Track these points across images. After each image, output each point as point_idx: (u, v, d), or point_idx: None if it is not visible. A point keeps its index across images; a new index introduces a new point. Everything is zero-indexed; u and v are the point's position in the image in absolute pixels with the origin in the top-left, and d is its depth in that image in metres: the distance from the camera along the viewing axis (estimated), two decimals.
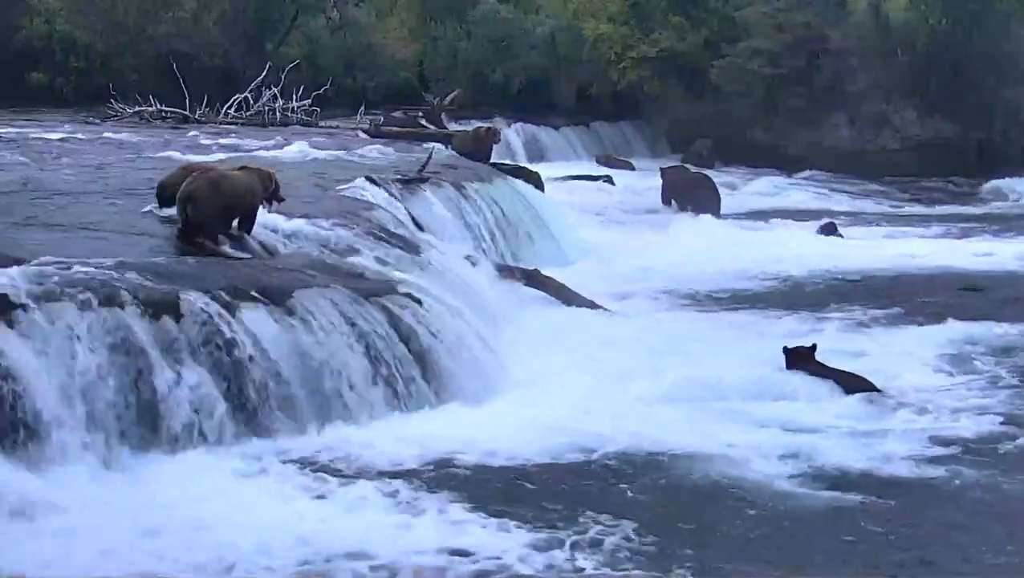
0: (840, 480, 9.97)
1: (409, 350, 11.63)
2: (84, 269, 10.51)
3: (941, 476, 10.15)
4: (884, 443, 10.95)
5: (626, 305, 17.04)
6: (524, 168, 25.29)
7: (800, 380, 12.50)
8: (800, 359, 12.75)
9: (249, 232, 13.02)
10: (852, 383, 12.44)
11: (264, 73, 32.90)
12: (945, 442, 11.00)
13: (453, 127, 31.70)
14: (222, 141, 25.72)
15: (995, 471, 10.29)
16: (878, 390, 12.39)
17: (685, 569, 8.21)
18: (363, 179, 18.15)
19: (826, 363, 12.73)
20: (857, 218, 27.33)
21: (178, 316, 10.27)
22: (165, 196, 13.52)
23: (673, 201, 27.18)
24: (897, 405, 12.08)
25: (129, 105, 32.08)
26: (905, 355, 14.11)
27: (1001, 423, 11.63)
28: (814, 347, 12.84)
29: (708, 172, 30.29)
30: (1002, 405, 12.26)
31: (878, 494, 9.68)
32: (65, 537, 8.08)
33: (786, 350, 12.86)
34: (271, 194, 13.39)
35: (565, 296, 16.70)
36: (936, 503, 9.63)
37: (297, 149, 24.16)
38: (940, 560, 8.51)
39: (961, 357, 14.13)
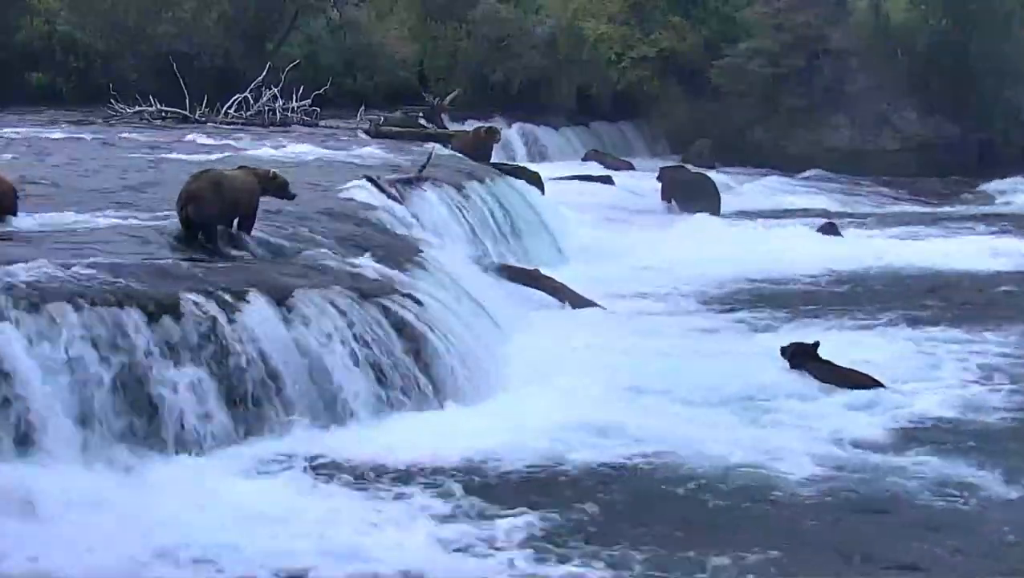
0: (839, 476, 9.99)
1: (409, 350, 11.63)
2: (84, 269, 10.50)
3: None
4: (890, 439, 11.01)
5: (626, 305, 17.04)
6: (524, 168, 25.29)
7: (801, 379, 12.52)
8: (801, 357, 12.77)
9: (249, 232, 13.01)
10: (856, 380, 12.46)
11: (264, 73, 32.88)
12: (954, 439, 11.04)
13: (453, 127, 31.70)
14: (222, 141, 25.72)
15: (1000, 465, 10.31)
16: (883, 386, 12.41)
17: (685, 569, 8.23)
18: (363, 179, 18.16)
19: (831, 361, 12.77)
20: (857, 218, 27.31)
21: (178, 316, 10.27)
22: None
23: (673, 201, 27.17)
24: (900, 402, 12.09)
25: (129, 105, 32.06)
26: (905, 354, 14.12)
27: (1002, 420, 11.68)
28: (816, 345, 12.86)
29: (708, 172, 30.28)
30: (1004, 402, 12.29)
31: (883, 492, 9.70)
32: (64, 537, 8.08)
33: (783, 350, 12.89)
34: (277, 193, 13.47)
35: (564, 296, 16.71)
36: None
37: (297, 149, 24.16)
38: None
39: (963, 355, 14.13)
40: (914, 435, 11.22)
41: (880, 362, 13.42)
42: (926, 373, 13.38)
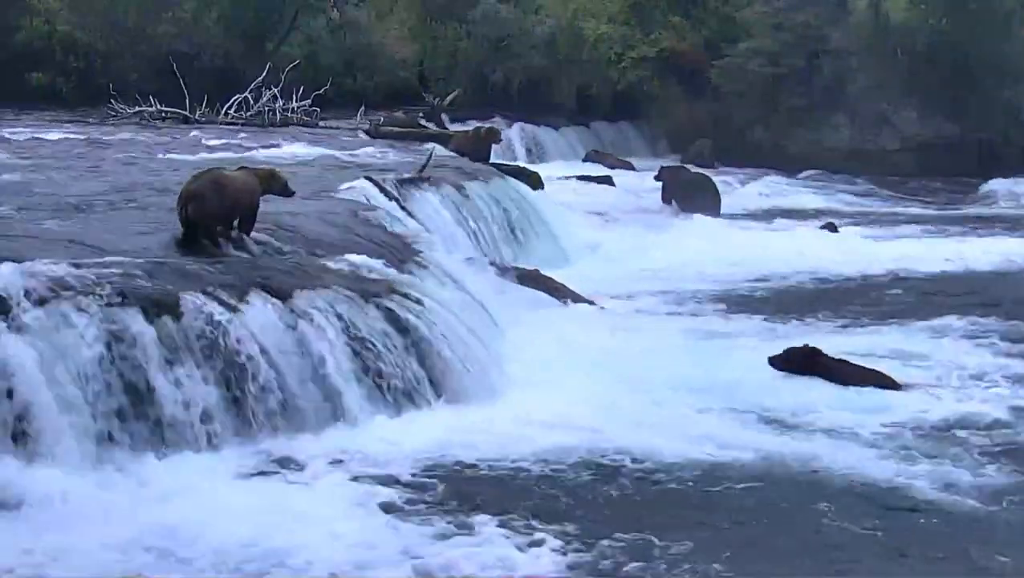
0: (854, 481, 9.96)
1: (409, 350, 11.63)
2: (84, 268, 10.49)
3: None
4: (907, 439, 11.00)
5: (626, 305, 17.04)
6: (524, 168, 25.32)
7: (804, 381, 12.52)
8: (807, 360, 12.72)
9: (249, 232, 13.00)
10: (870, 379, 12.46)
11: (264, 73, 32.93)
12: (969, 438, 11.03)
13: (453, 127, 31.74)
14: (222, 141, 25.73)
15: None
16: (897, 386, 12.42)
17: (685, 573, 8.22)
18: (363, 179, 18.17)
19: (845, 359, 12.76)
20: (857, 218, 27.34)
21: (178, 316, 10.26)
22: None
23: (673, 201, 27.19)
24: (916, 400, 12.08)
25: (129, 105, 32.11)
26: (909, 354, 14.11)
27: (1014, 417, 11.68)
28: (815, 350, 12.82)
29: (708, 172, 30.31)
30: (1012, 400, 12.28)
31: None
32: (63, 536, 8.08)
33: (790, 352, 12.85)
34: (279, 190, 13.49)
35: (565, 296, 16.71)
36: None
37: (297, 149, 24.18)
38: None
39: (966, 354, 14.13)
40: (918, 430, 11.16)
41: (881, 362, 13.42)
42: (930, 372, 13.33)
